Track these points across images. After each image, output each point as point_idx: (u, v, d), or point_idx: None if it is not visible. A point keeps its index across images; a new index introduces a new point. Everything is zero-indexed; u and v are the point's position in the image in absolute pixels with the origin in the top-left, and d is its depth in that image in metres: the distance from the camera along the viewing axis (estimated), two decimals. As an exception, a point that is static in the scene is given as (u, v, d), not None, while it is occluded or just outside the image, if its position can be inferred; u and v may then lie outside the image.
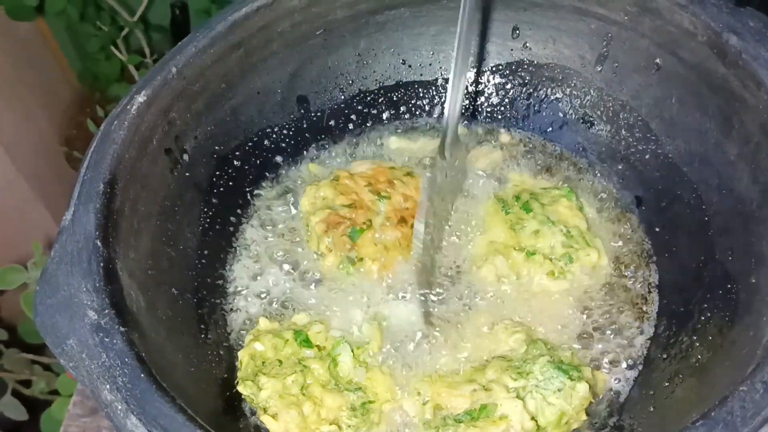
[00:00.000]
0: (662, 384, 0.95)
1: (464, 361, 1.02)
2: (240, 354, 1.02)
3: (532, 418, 0.91)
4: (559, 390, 0.91)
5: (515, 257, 1.08)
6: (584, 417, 0.93)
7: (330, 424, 0.95)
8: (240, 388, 0.98)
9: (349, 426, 0.96)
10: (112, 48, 2.35)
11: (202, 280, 1.07)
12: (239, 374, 1.01)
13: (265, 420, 0.95)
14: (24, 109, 2.23)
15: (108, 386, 0.77)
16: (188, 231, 1.07)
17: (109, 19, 2.30)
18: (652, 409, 0.92)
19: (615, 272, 1.10)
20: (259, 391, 0.96)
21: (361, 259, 1.10)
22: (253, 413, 0.99)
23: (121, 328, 0.80)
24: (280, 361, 0.99)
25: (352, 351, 1.01)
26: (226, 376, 1.02)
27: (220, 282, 1.11)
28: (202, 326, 1.04)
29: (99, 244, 0.86)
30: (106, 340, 0.79)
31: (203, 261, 1.09)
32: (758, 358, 0.74)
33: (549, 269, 1.07)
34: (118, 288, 0.86)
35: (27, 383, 1.94)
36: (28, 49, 2.28)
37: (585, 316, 1.05)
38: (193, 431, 0.73)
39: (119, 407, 0.76)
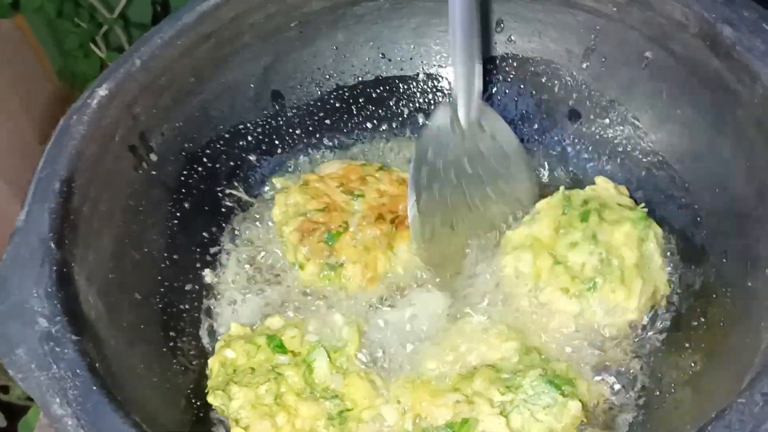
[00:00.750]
0: (654, 393, 0.91)
1: (451, 364, 0.97)
2: (210, 362, 0.97)
3: None
4: (548, 406, 0.86)
5: (542, 260, 1.00)
6: None
7: None
8: (210, 399, 0.93)
9: None
10: (92, 45, 2.30)
11: (168, 284, 1.02)
12: (209, 383, 0.96)
13: None
14: (2, 107, 2.19)
15: (58, 400, 0.72)
16: (154, 232, 1.02)
17: (88, 15, 2.25)
18: (644, 420, 0.89)
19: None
20: (230, 401, 0.91)
21: (341, 265, 1.05)
22: (225, 425, 0.94)
23: (74, 337, 0.75)
24: (253, 369, 0.94)
25: (329, 356, 0.95)
26: (193, 386, 0.97)
27: (189, 287, 1.06)
28: (168, 333, 0.99)
29: (53, 246, 0.81)
30: (57, 349, 0.74)
31: (170, 264, 1.04)
32: (757, 367, 0.70)
33: (564, 285, 0.98)
34: (73, 293, 0.81)
35: (5, 389, 1.90)
36: (7, 45, 2.24)
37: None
38: (148, 448, 0.68)
39: (69, 423, 0.71)
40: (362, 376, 0.95)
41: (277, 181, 1.17)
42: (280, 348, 0.95)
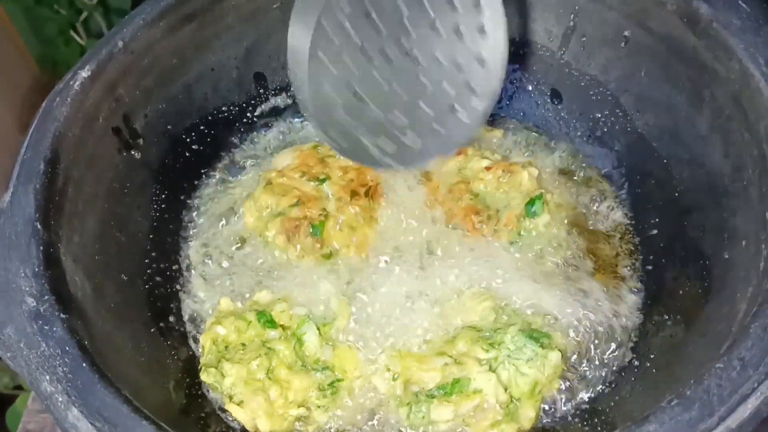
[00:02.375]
0: (634, 362, 0.92)
1: (434, 330, 0.98)
2: (202, 339, 0.98)
3: (506, 389, 0.88)
4: (531, 359, 0.89)
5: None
6: (557, 385, 0.91)
7: (299, 407, 0.92)
8: (203, 376, 0.94)
9: (319, 406, 0.93)
10: (71, 32, 2.28)
11: (154, 265, 1.03)
12: (202, 361, 0.97)
13: (231, 409, 0.92)
14: (-20, 96, 2.16)
15: (48, 377, 0.72)
16: (139, 214, 1.02)
17: (67, 2, 2.23)
18: (626, 387, 0.90)
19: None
20: (222, 378, 0.92)
21: (337, 251, 1.05)
22: (218, 403, 0.95)
23: (62, 315, 0.76)
24: (244, 345, 0.95)
25: (318, 329, 0.97)
26: (183, 365, 0.97)
27: (175, 267, 1.06)
28: (156, 314, 0.99)
29: (39, 226, 0.81)
30: (46, 327, 0.75)
31: (156, 246, 1.04)
32: (734, 335, 0.71)
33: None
34: (60, 273, 0.81)
35: (-9, 378, 1.89)
36: (-16, 33, 2.21)
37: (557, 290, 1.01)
38: (138, 422, 0.69)
39: (59, 399, 0.71)
40: (351, 346, 0.97)
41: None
42: (270, 323, 0.96)
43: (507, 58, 0.87)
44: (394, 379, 0.94)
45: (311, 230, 1.04)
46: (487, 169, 1.08)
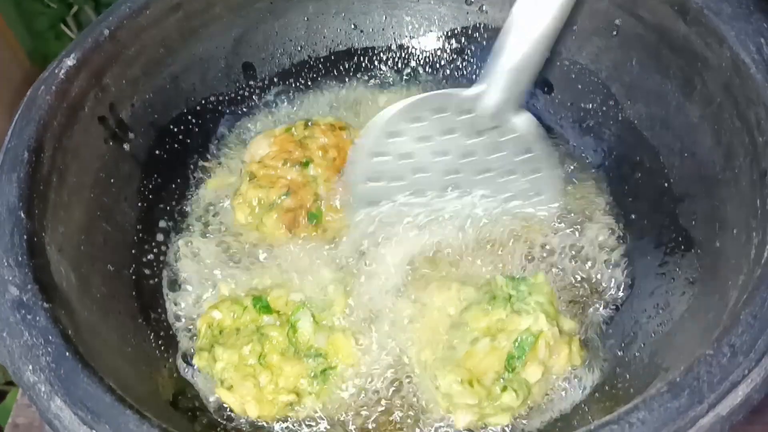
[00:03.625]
0: (624, 351, 0.92)
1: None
2: (198, 323, 0.98)
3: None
4: (530, 292, 0.92)
5: None
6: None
7: (289, 393, 0.91)
8: (195, 360, 0.94)
9: (311, 393, 0.92)
10: (62, 26, 2.27)
11: (141, 256, 1.02)
12: (196, 344, 0.96)
13: (221, 393, 0.92)
14: (-28, 92, 2.15)
15: (30, 367, 0.71)
16: (126, 205, 1.01)
17: (58, -4, 2.23)
18: (616, 376, 0.90)
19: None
20: (214, 362, 0.92)
21: (338, 232, 1.05)
22: (206, 395, 0.94)
23: (45, 305, 0.74)
24: (238, 330, 0.95)
25: (313, 316, 0.96)
26: (170, 357, 0.97)
27: (162, 258, 1.05)
28: (142, 305, 0.98)
29: (22, 216, 0.80)
30: (29, 317, 0.74)
31: (143, 237, 1.03)
32: (724, 323, 0.71)
33: None
34: (44, 263, 0.80)
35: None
36: (-25, 28, 2.20)
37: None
38: (122, 412, 0.68)
39: (42, 389, 0.70)
40: (347, 334, 0.96)
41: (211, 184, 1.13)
42: (266, 309, 0.96)
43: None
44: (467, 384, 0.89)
45: (308, 219, 1.03)
46: None
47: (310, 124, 1.11)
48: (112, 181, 0.98)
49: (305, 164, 1.06)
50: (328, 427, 0.92)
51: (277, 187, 1.04)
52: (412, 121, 0.97)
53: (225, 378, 0.91)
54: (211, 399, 0.94)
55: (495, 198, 1.02)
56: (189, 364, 0.97)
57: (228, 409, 0.93)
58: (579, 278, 1.01)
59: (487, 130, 0.97)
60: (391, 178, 1.02)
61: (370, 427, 0.92)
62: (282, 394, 0.91)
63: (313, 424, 0.92)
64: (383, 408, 0.93)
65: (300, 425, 0.92)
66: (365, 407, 0.93)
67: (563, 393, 0.91)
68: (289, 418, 0.93)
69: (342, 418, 0.93)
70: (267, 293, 0.98)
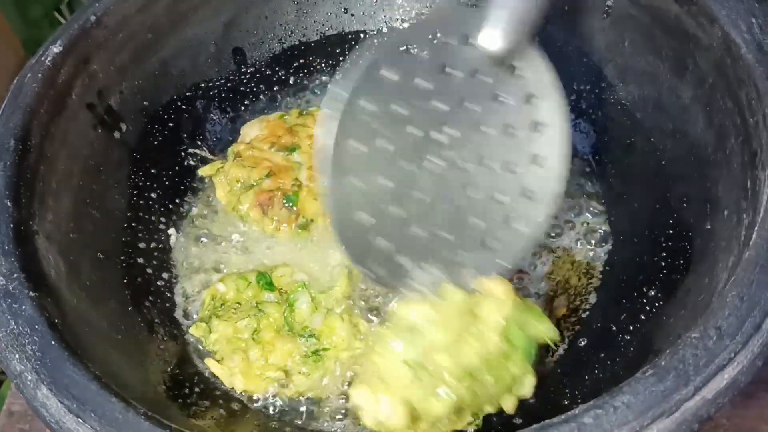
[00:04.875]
0: (611, 330, 0.91)
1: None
2: (204, 294, 1.00)
3: None
4: None
5: None
6: None
7: (278, 370, 0.92)
8: (192, 330, 0.97)
9: (300, 372, 0.93)
10: (56, 14, 2.26)
11: (131, 243, 1.01)
12: (199, 315, 0.98)
13: (210, 364, 0.93)
14: (-34, 80, 2.14)
15: (17, 356, 0.71)
16: (116, 192, 1.01)
17: (51, -16, 2.21)
18: (603, 358, 0.89)
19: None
20: (209, 334, 0.94)
21: (312, 220, 1.04)
22: (202, 389, 0.94)
23: (31, 293, 0.74)
24: (239, 304, 0.96)
25: (312, 297, 0.97)
26: (161, 344, 0.96)
27: (153, 245, 1.05)
28: (133, 293, 0.98)
29: (9, 204, 0.80)
30: (15, 306, 0.73)
31: (133, 224, 1.03)
32: (712, 306, 0.70)
33: None
34: (31, 251, 0.80)
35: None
36: (-31, 16, 2.19)
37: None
38: (107, 399, 0.67)
39: (29, 378, 0.70)
40: (344, 318, 0.96)
41: (202, 171, 1.13)
42: (269, 285, 0.97)
43: (569, 153, 0.80)
44: None
45: (285, 201, 1.03)
46: None
47: (305, 112, 1.12)
48: (101, 168, 0.98)
49: (292, 150, 1.06)
50: (313, 407, 0.93)
51: (259, 168, 1.05)
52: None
53: (216, 350, 0.94)
54: (204, 388, 0.94)
55: (495, 167, 0.79)
56: (183, 352, 0.97)
57: (219, 399, 0.93)
58: (567, 259, 1.00)
59: (484, 68, 0.77)
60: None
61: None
62: (270, 370, 0.92)
63: (299, 403, 0.93)
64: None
65: (285, 403, 0.94)
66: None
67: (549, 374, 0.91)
68: (276, 396, 0.94)
69: (328, 400, 0.93)
70: (272, 270, 0.99)
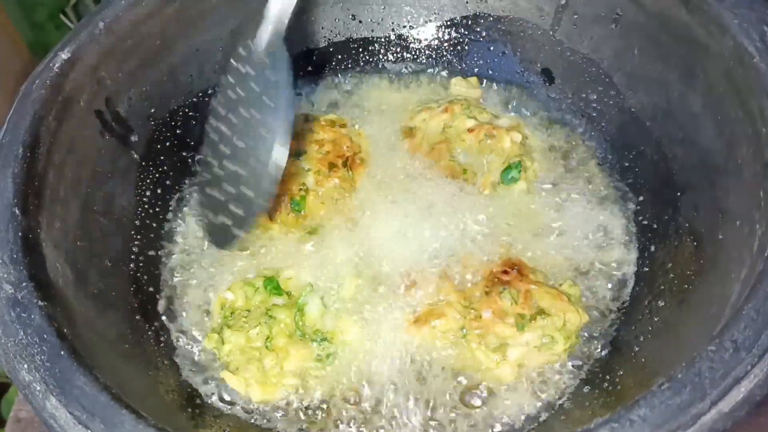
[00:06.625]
0: (626, 345, 0.91)
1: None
2: (212, 304, 0.99)
3: None
4: None
5: None
6: None
7: (294, 377, 0.92)
8: (205, 342, 0.96)
9: (316, 377, 0.93)
10: (62, 17, 2.26)
11: (139, 250, 1.01)
12: (210, 325, 0.98)
13: (225, 376, 0.92)
14: (-28, 82, 2.14)
15: (26, 366, 0.71)
16: (123, 199, 1.00)
17: (57, -13, 2.21)
18: (617, 370, 0.89)
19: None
20: (222, 345, 0.93)
21: (319, 224, 1.05)
22: (211, 398, 0.94)
23: (40, 303, 0.74)
24: (249, 311, 0.95)
25: (322, 299, 0.97)
26: (168, 352, 0.96)
27: (162, 252, 1.05)
28: (141, 300, 0.97)
29: (17, 212, 0.79)
30: (24, 315, 0.73)
31: (141, 230, 1.02)
32: (726, 317, 0.70)
33: None
34: (40, 259, 0.79)
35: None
36: (-25, 19, 2.19)
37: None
38: (118, 411, 0.67)
39: (38, 388, 0.70)
40: (355, 319, 0.96)
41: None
42: (277, 289, 0.97)
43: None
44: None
45: (291, 206, 1.03)
46: (470, 131, 1.07)
47: (310, 118, 1.12)
48: (109, 175, 0.98)
49: (298, 155, 1.07)
50: (326, 411, 0.92)
51: None
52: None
53: (230, 360, 0.93)
54: (213, 397, 0.94)
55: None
56: (191, 360, 0.96)
57: (227, 407, 0.93)
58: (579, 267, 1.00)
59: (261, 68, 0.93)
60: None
61: (375, 410, 0.92)
62: (287, 377, 0.92)
63: (317, 408, 0.92)
64: (389, 392, 0.92)
65: (302, 411, 0.92)
66: (370, 391, 0.93)
67: (563, 385, 0.90)
68: (293, 401, 0.93)
69: (345, 402, 0.92)
70: (279, 274, 0.99)
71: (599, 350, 0.93)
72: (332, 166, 1.06)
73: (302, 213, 1.04)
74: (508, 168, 1.05)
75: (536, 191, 1.07)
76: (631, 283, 0.98)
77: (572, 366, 0.92)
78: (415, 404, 0.91)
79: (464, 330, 0.93)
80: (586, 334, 0.94)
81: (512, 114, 1.16)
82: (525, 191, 1.06)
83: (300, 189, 1.04)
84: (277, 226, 1.05)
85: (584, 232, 1.03)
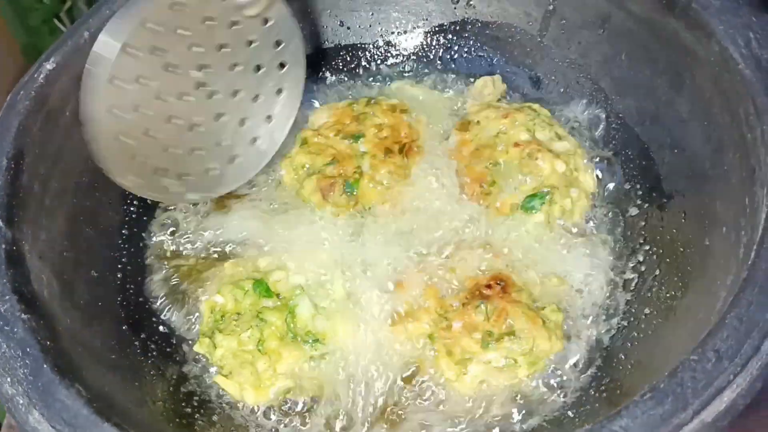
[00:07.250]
0: (612, 350, 0.91)
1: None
2: (202, 308, 0.98)
3: None
4: None
5: None
6: None
7: (287, 379, 0.92)
8: (196, 347, 0.95)
9: (309, 378, 0.93)
10: (55, 21, 2.26)
11: (126, 260, 1.01)
12: (200, 329, 0.97)
13: (219, 380, 0.93)
14: (-34, 86, 2.13)
15: (9, 379, 0.71)
16: (110, 208, 1.00)
17: (52, -9, 2.21)
18: (603, 379, 0.88)
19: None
20: (214, 349, 0.93)
21: (370, 208, 1.05)
22: (201, 405, 0.93)
23: (24, 316, 0.74)
24: (239, 314, 0.95)
25: (311, 300, 0.96)
26: (156, 362, 0.95)
27: (149, 261, 1.04)
28: (128, 310, 0.97)
29: (1, 224, 0.80)
30: (6, 328, 0.73)
31: (128, 240, 1.02)
32: (710, 327, 0.69)
33: None
34: (24, 272, 0.79)
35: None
36: (-31, 22, 2.19)
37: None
38: (99, 425, 0.67)
39: (20, 402, 0.70)
40: (346, 317, 0.96)
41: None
42: (266, 292, 0.96)
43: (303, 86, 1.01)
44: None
45: (345, 188, 1.04)
46: (516, 145, 1.03)
47: (373, 101, 1.13)
48: (95, 185, 0.97)
49: (356, 138, 1.07)
50: (328, 412, 0.92)
51: (324, 155, 1.07)
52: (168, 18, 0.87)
53: (224, 365, 0.92)
54: (204, 404, 0.94)
55: (247, 98, 0.99)
56: (179, 368, 0.96)
57: (218, 414, 0.92)
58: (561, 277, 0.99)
59: (242, 20, 0.93)
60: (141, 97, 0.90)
61: (369, 410, 0.92)
62: (280, 379, 0.92)
63: (311, 409, 0.92)
64: (381, 391, 0.92)
65: (296, 413, 0.92)
66: (362, 390, 0.93)
67: (550, 394, 0.90)
68: (287, 401, 0.93)
69: (340, 402, 0.92)
70: (267, 276, 0.98)
71: (585, 359, 0.93)
72: (388, 151, 1.06)
73: (355, 196, 1.05)
74: (533, 195, 1.01)
75: (555, 229, 1.02)
76: (618, 291, 0.97)
77: (557, 375, 0.92)
78: (408, 402, 0.91)
79: (435, 337, 0.92)
80: (573, 345, 0.93)
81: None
82: (542, 224, 1.01)
83: (355, 172, 1.05)
84: (329, 206, 1.05)
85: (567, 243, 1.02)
